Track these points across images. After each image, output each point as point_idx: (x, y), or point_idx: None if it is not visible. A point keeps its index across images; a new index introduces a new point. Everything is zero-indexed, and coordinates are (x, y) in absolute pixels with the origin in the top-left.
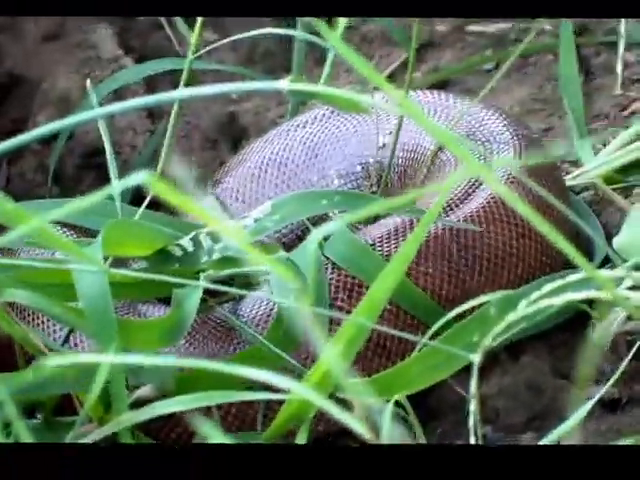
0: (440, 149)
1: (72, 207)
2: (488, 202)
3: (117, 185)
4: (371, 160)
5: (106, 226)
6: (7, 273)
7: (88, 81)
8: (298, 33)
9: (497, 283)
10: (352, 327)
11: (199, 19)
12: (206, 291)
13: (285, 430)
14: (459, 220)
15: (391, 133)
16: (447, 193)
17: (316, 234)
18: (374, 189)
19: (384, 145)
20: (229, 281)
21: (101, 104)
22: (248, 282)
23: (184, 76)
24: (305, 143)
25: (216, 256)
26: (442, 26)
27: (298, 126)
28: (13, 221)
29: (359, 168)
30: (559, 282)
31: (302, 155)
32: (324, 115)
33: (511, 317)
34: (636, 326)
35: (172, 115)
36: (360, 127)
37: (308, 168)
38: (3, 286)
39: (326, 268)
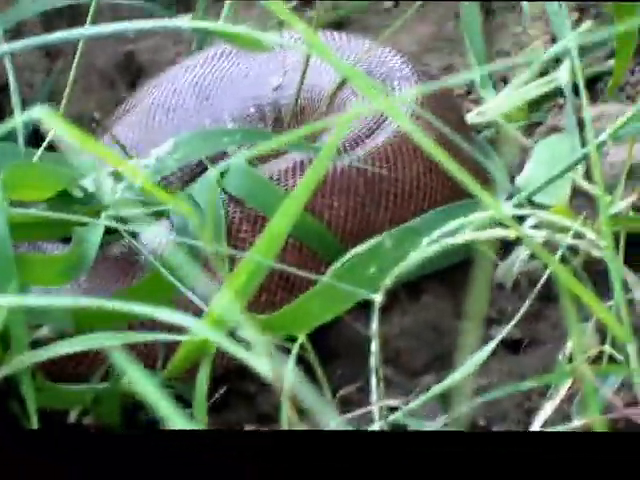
0: (339, 88)
1: None
2: (394, 136)
3: (19, 121)
4: (265, 102)
5: (6, 168)
6: None
7: None
8: None
9: (403, 218)
10: (251, 263)
11: None
12: (106, 231)
13: (185, 369)
14: (365, 156)
15: (286, 73)
16: (348, 127)
17: (214, 169)
18: (271, 131)
19: (279, 86)
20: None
21: None
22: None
23: (91, 12)
24: (195, 87)
25: (117, 196)
26: None
27: (188, 69)
28: None
29: (253, 110)
30: (460, 220)
31: (192, 99)
32: (214, 56)
33: (413, 256)
34: (538, 265)
35: (78, 52)
36: (252, 69)
37: (199, 113)
38: None
39: (229, 204)
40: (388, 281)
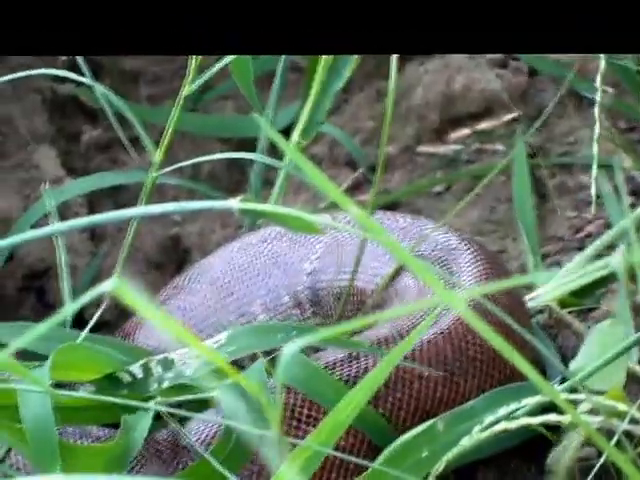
0: (397, 273)
1: (27, 335)
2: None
3: (71, 306)
4: (300, 287)
5: (55, 350)
6: None
7: (45, 189)
8: (254, 155)
9: (490, 385)
10: (308, 450)
11: (165, 139)
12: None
13: None
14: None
15: (318, 259)
16: (406, 319)
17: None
18: (309, 317)
19: (312, 271)
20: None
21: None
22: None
23: (145, 190)
24: (225, 276)
25: (166, 384)
26: (391, 147)
27: (223, 255)
28: None
29: (287, 298)
30: (514, 406)
31: (220, 290)
32: (248, 244)
33: (464, 441)
34: (591, 452)
35: (130, 232)
36: (279, 256)
37: (227, 305)
38: None
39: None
40: (439, 468)
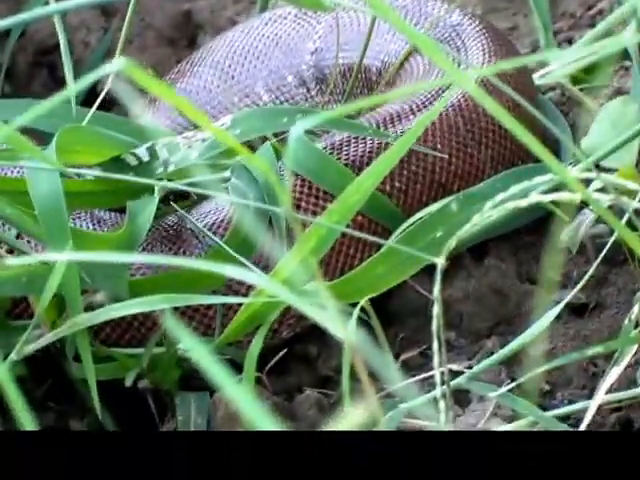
0: (408, 55)
1: (34, 111)
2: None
3: (73, 86)
4: (304, 67)
5: (59, 132)
6: None
7: None
8: None
9: (503, 156)
10: (321, 229)
11: None
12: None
13: (243, 332)
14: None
15: (320, 37)
16: (415, 96)
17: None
18: (315, 95)
19: (316, 50)
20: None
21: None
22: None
23: None
24: (232, 57)
25: (172, 167)
26: None
27: (230, 36)
28: None
29: (290, 78)
30: (525, 183)
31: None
32: (250, 27)
33: (476, 219)
34: (604, 229)
35: (130, 8)
36: (283, 37)
37: (230, 87)
38: None
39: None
40: (451, 244)
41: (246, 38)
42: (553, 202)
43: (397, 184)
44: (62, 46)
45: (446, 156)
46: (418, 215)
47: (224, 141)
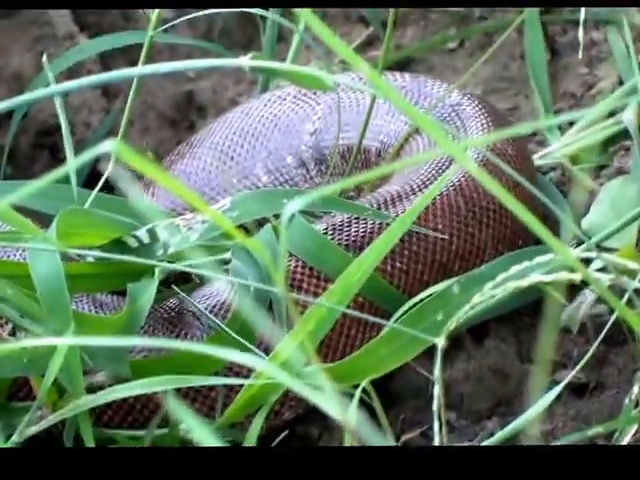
0: (410, 134)
1: (28, 189)
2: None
3: (73, 163)
4: (303, 148)
5: (60, 214)
6: None
7: (44, 57)
8: (268, 12)
9: (504, 235)
10: (321, 310)
11: None
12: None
13: (244, 413)
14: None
15: (320, 119)
16: (415, 176)
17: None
18: (314, 176)
19: (315, 130)
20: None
21: (55, 82)
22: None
23: (144, 51)
24: (228, 142)
25: (172, 249)
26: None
27: (230, 118)
28: None
29: (290, 159)
30: (526, 263)
31: (221, 156)
32: (249, 108)
33: (476, 299)
34: (604, 309)
35: (132, 90)
36: (281, 119)
37: (229, 169)
38: None
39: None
40: (451, 325)
41: (245, 119)
42: (552, 282)
43: (398, 264)
44: (63, 127)
45: (447, 236)
46: (419, 297)
47: (221, 224)
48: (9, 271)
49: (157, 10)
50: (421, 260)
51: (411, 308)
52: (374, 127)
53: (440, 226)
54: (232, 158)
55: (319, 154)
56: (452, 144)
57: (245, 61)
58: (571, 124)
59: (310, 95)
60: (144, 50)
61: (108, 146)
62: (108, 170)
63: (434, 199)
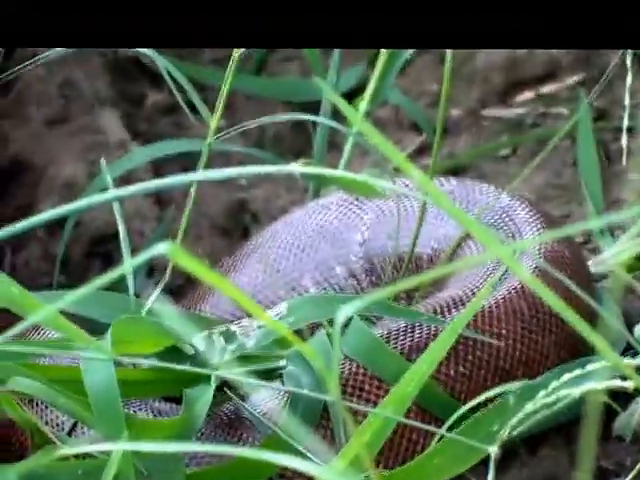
0: (462, 240)
1: (82, 294)
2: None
3: (129, 263)
4: (353, 258)
5: (115, 323)
6: (16, 360)
7: (102, 161)
8: (318, 118)
9: (567, 341)
10: (377, 420)
11: (220, 104)
12: (217, 389)
13: None
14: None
15: (368, 228)
16: (470, 282)
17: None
18: (365, 287)
19: (364, 240)
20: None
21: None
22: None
23: (203, 158)
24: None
25: (228, 356)
26: (456, 110)
27: (283, 226)
28: (21, 308)
29: (339, 270)
30: (578, 371)
31: (267, 269)
32: (293, 219)
33: (529, 407)
34: None
35: (191, 196)
36: (328, 229)
37: (273, 284)
38: (10, 374)
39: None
40: (504, 434)
41: (290, 230)
42: (605, 390)
43: (461, 369)
44: (120, 230)
45: (511, 342)
46: (470, 404)
47: (278, 331)
48: (61, 375)
49: (216, 117)
50: (484, 366)
51: (465, 414)
52: (424, 233)
53: (504, 331)
54: (278, 271)
55: (369, 264)
56: (504, 249)
57: (296, 168)
58: (624, 231)
59: (355, 203)
60: (203, 157)
61: (163, 248)
62: (165, 277)
63: (497, 303)
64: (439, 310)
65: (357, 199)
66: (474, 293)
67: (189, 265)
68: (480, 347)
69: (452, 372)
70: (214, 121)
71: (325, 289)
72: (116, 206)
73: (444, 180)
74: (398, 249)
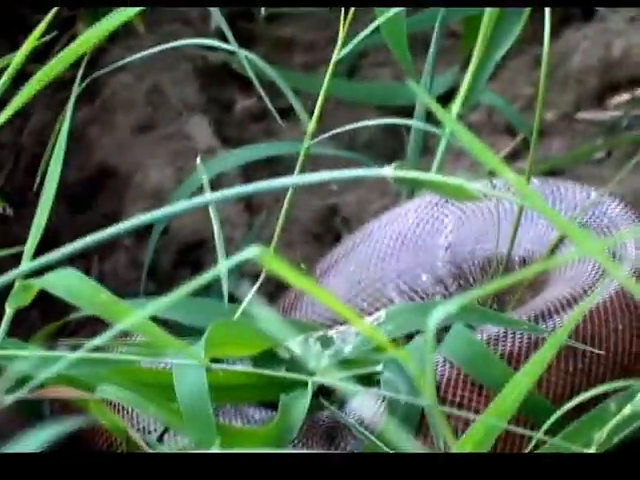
0: (559, 243)
1: (172, 299)
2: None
3: (223, 265)
4: (439, 264)
5: (210, 329)
6: (105, 367)
7: (197, 163)
8: (412, 122)
9: None
10: (482, 427)
11: (316, 109)
12: (313, 395)
13: None
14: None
15: (451, 232)
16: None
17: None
18: (454, 292)
19: (449, 244)
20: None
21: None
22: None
23: (300, 160)
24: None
25: (325, 361)
26: (550, 114)
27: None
28: (110, 315)
29: (425, 277)
30: None
31: (347, 283)
32: (371, 230)
33: (627, 410)
34: None
35: (285, 201)
36: (408, 236)
37: (356, 296)
38: (100, 381)
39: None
40: (599, 438)
41: (368, 241)
42: None
43: (580, 365)
44: (216, 233)
45: (627, 337)
46: (567, 407)
47: (375, 339)
48: (152, 380)
49: (312, 122)
50: (602, 362)
51: (562, 418)
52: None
53: (620, 326)
54: (360, 283)
55: (456, 268)
56: (598, 248)
57: (388, 171)
58: None
59: (434, 207)
60: (299, 160)
61: (253, 252)
62: (258, 282)
63: (610, 299)
64: (540, 316)
65: (436, 204)
66: (577, 297)
67: (280, 270)
68: (598, 343)
69: (571, 368)
70: (310, 125)
71: (411, 298)
72: (211, 210)
73: (533, 180)
74: (485, 252)
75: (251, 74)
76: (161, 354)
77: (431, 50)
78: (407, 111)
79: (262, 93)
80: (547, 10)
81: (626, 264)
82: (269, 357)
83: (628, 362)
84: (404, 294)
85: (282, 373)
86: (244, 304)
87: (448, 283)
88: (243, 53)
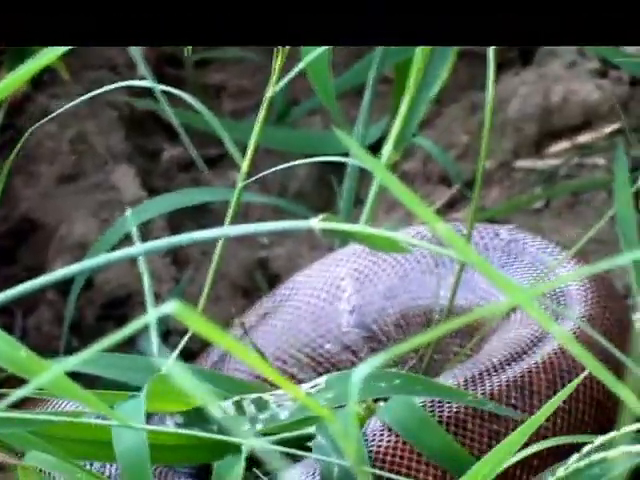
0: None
1: (91, 354)
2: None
3: (152, 315)
4: (344, 330)
5: (149, 384)
6: (29, 427)
7: (129, 213)
8: (349, 160)
9: None
10: None
11: (249, 153)
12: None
13: None
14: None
15: (352, 295)
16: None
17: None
18: (366, 357)
19: (354, 308)
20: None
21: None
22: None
23: (231, 207)
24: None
25: (260, 426)
26: (488, 162)
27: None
28: (29, 372)
29: (329, 346)
30: (612, 434)
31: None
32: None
33: (560, 473)
34: None
35: (216, 254)
36: (308, 303)
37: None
38: (25, 444)
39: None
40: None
41: (289, 300)
42: None
43: (561, 404)
44: (146, 287)
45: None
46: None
47: (313, 409)
48: (90, 435)
49: (245, 165)
50: (581, 399)
51: None
52: (431, 286)
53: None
54: (286, 341)
55: (367, 331)
56: (546, 318)
57: (316, 223)
58: None
59: (330, 267)
60: (232, 207)
61: (171, 308)
62: (186, 337)
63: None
64: (470, 379)
65: (333, 263)
66: (520, 356)
67: (200, 327)
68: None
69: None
70: (242, 169)
71: (315, 370)
72: (140, 261)
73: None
74: (396, 307)
75: (176, 122)
76: (83, 415)
77: (365, 97)
78: (339, 162)
79: (187, 142)
80: (490, 50)
81: (571, 312)
82: (202, 414)
83: (605, 398)
84: (308, 367)
85: (215, 435)
86: (170, 359)
87: (358, 348)
88: (166, 105)
